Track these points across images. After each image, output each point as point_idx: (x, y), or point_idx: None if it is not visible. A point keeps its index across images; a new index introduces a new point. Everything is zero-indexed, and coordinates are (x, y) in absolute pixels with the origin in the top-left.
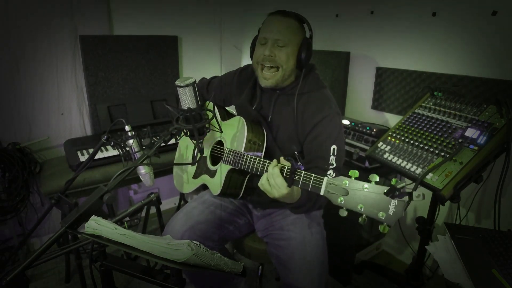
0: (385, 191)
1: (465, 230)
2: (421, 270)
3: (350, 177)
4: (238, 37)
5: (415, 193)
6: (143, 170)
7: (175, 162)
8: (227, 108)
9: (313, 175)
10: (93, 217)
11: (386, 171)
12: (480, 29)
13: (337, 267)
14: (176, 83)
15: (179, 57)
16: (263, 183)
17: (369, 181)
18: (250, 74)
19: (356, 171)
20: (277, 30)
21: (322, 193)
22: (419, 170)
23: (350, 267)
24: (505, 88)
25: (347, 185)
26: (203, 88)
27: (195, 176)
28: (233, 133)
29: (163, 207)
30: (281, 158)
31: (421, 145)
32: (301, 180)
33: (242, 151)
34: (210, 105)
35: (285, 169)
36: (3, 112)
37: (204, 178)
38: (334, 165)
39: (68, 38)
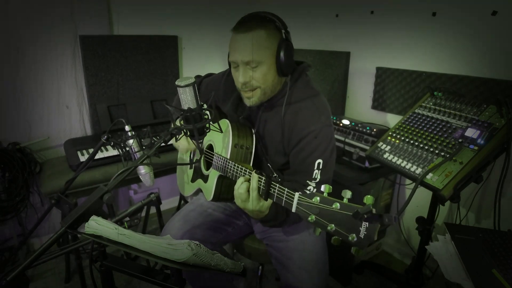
0: (352, 213)
1: (465, 230)
2: (421, 270)
3: (322, 192)
4: None
5: (386, 217)
6: (143, 170)
7: (177, 162)
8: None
9: (286, 189)
10: (93, 217)
11: (386, 171)
12: (480, 29)
13: (337, 267)
14: (176, 83)
15: (179, 57)
16: (241, 193)
17: (342, 198)
18: None
19: (330, 186)
20: (244, 50)
21: (293, 210)
22: (419, 170)
23: (350, 267)
24: (505, 88)
25: (318, 202)
26: None
27: (193, 180)
28: (221, 137)
29: (163, 207)
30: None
31: (421, 145)
32: (275, 194)
33: (228, 156)
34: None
35: (262, 181)
36: (3, 112)
37: (199, 183)
38: (318, 179)
39: (68, 38)
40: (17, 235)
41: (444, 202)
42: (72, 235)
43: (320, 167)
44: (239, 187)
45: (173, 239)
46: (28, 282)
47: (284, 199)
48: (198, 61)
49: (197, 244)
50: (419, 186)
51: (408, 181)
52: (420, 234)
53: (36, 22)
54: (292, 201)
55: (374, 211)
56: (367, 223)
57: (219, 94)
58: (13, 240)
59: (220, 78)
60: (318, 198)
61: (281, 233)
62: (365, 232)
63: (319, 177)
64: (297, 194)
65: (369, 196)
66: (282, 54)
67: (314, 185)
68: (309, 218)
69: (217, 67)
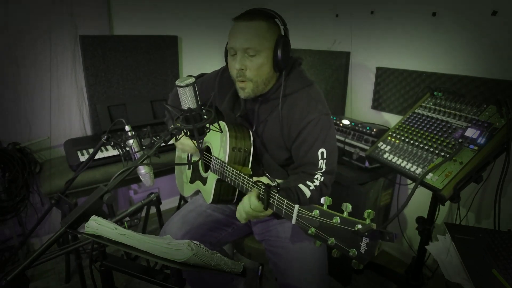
0: (354, 230)
1: (465, 230)
2: (421, 270)
3: (322, 205)
4: None
5: (386, 234)
6: (143, 170)
7: (175, 162)
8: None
9: (286, 201)
10: (93, 217)
11: (386, 171)
12: (480, 29)
13: (337, 267)
14: (176, 83)
15: (179, 57)
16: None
17: (342, 211)
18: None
19: (330, 198)
20: (244, 38)
21: (293, 222)
22: (419, 170)
23: (350, 267)
24: (505, 88)
25: (318, 215)
26: None
27: (192, 181)
28: (218, 139)
29: (163, 207)
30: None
31: (421, 145)
32: (275, 204)
33: (226, 160)
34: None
35: (261, 192)
36: (3, 112)
37: (198, 184)
38: (324, 169)
39: (68, 38)
40: (17, 235)
41: (444, 202)
42: (72, 235)
43: (324, 156)
44: (248, 213)
45: (173, 239)
46: (28, 282)
47: (284, 210)
48: (198, 61)
49: (197, 244)
50: (419, 186)
51: (408, 181)
52: (420, 234)
53: (36, 22)
54: (292, 214)
55: (374, 227)
56: (367, 239)
57: (214, 93)
58: (13, 240)
59: (214, 77)
60: (317, 211)
61: (281, 239)
62: (366, 248)
63: (324, 167)
64: (296, 206)
65: (370, 210)
66: (279, 48)
67: (321, 174)
68: (309, 231)
69: (217, 67)
